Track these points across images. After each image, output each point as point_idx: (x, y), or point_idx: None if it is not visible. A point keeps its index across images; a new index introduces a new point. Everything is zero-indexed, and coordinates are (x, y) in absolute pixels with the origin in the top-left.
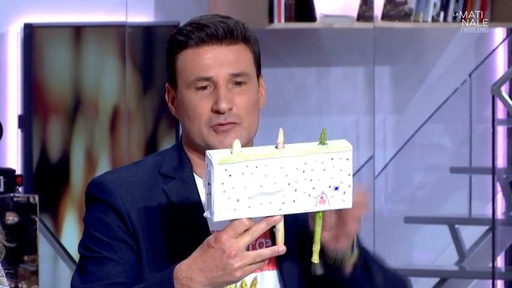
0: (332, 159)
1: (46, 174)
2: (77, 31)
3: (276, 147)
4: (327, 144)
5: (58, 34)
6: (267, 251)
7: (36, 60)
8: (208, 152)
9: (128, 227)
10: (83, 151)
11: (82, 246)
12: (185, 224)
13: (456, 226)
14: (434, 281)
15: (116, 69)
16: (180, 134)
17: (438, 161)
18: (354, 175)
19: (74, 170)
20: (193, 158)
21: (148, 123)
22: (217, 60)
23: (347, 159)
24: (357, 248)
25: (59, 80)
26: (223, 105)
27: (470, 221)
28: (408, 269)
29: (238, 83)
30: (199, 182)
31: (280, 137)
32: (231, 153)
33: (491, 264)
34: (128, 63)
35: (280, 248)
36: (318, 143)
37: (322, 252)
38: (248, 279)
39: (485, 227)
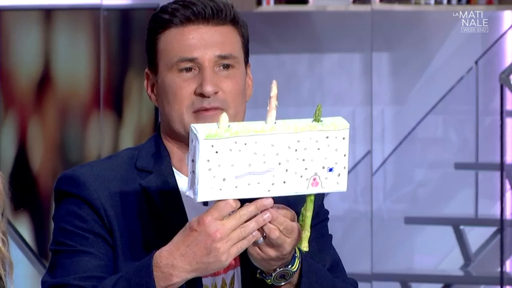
0: (327, 137)
1: (22, 171)
2: (47, 14)
3: (270, 105)
4: (321, 121)
5: (26, 17)
6: (250, 207)
7: (1, 46)
8: (192, 125)
9: (103, 222)
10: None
11: (53, 243)
12: (164, 221)
13: (461, 227)
14: (438, 287)
15: (89, 55)
16: (158, 124)
17: (441, 156)
18: (349, 172)
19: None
20: (173, 149)
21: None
22: (203, 41)
23: (343, 138)
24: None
25: (27, 68)
26: (208, 88)
27: (476, 221)
28: (409, 274)
29: (226, 66)
30: (179, 177)
31: (274, 90)
32: (218, 127)
33: (499, 269)
34: (103, 50)
35: (266, 201)
36: (312, 119)
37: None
38: (227, 278)
39: (493, 228)
